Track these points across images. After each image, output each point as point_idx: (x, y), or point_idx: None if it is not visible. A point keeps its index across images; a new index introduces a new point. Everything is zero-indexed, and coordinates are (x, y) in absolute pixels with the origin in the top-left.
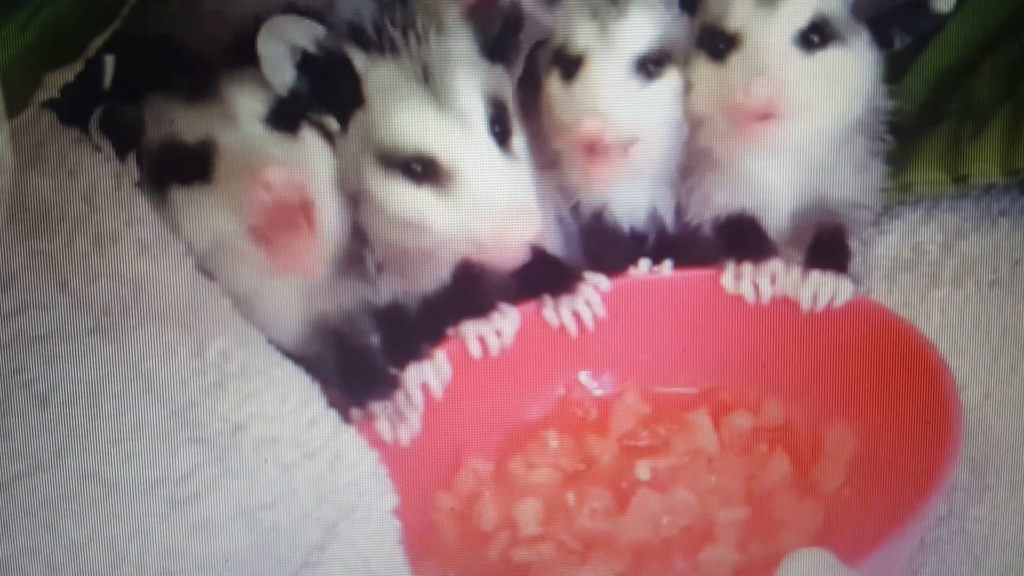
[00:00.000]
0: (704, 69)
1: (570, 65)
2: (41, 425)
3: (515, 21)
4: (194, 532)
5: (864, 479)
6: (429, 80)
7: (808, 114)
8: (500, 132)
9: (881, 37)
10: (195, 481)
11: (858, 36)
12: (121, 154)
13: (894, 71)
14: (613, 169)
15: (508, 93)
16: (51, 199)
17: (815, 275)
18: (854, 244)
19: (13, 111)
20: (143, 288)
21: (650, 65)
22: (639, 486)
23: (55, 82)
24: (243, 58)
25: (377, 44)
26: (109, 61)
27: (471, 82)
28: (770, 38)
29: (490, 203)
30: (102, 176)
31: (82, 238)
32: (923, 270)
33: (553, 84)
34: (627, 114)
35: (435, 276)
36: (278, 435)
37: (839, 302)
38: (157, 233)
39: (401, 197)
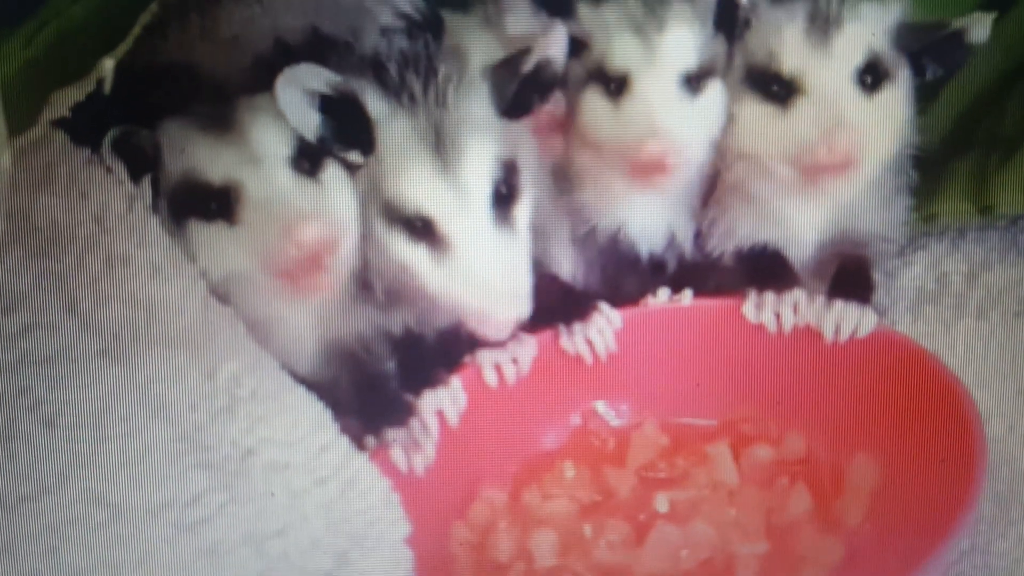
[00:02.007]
0: (758, 110)
1: (614, 83)
2: (47, 448)
3: (544, 81)
4: (201, 558)
5: (887, 513)
6: (440, 145)
7: (872, 158)
8: (507, 195)
9: (916, 68)
10: (203, 506)
11: (902, 71)
12: (135, 178)
13: (919, 101)
14: (660, 188)
15: (523, 149)
16: (61, 219)
17: (838, 305)
18: (878, 275)
19: (18, 127)
20: (153, 311)
21: (695, 80)
22: (657, 518)
23: (63, 100)
24: (260, 83)
25: (396, 89)
26: (109, 66)
27: (481, 148)
28: (835, 83)
29: (480, 280)
30: (113, 198)
31: (92, 259)
32: (948, 301)
33: (595, 102)
34: (682, 132)
35: (442, 314)
36: (289, 461)
37: (862, 333)
38: (169, 256)
39: (401, 248)
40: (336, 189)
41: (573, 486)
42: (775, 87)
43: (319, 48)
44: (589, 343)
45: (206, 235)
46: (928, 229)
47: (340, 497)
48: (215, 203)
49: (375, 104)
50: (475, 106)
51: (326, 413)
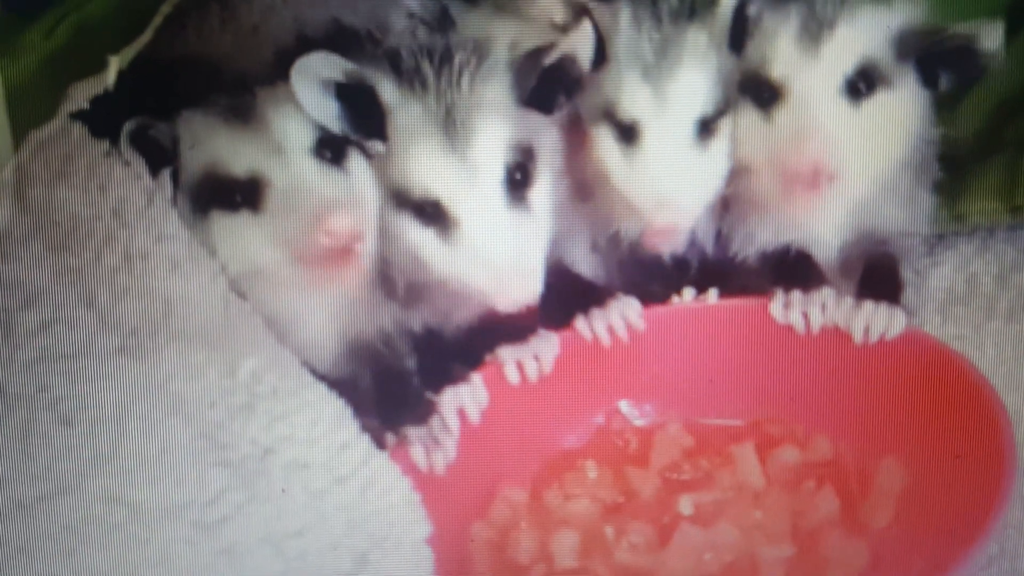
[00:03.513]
0: (750, 118)
1: (626, 131)
2: (65, 446)
3: (570, 82)
4: (219, 559)
5: (914, 517)
6: (450, 125)
7: (858, 167)
8: (520, 180)
9: (927, 78)
10: (222, 506)
11: (905, 78)
12: (153, 171)
13: (950, 100)
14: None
15: (541, 139)
16: (80, 213)
17: (868, 306)
18: (907, 274)
19: (37, 119)
20: (173, 306)
21: (709, 125)
22: (681, 520)
23: (83, 92)
24: (278, 74)
25: (410, 75)
26: (114, 62)
27: (494, 131)
28: (816, 90)
29: (489, 258)
30: (132, 191)
31: (111, 254)
32: (977, 303)
33: (606, 146)
34: (691, 185)
35: (463, 310)
36: (309, 460)
37: (892, 334)
38: (188, 251)
39: (410, 234)
40: (361, 177)
41: (595, 486)
42: (765, 94)
43: (341, 41)
44: (610, 328)
45: (230, 227)
46: (957, 229)
47: (360, 497)
48: (239, 194)
49: (389, 92)
50: (492, 92)
51: (346, 411)
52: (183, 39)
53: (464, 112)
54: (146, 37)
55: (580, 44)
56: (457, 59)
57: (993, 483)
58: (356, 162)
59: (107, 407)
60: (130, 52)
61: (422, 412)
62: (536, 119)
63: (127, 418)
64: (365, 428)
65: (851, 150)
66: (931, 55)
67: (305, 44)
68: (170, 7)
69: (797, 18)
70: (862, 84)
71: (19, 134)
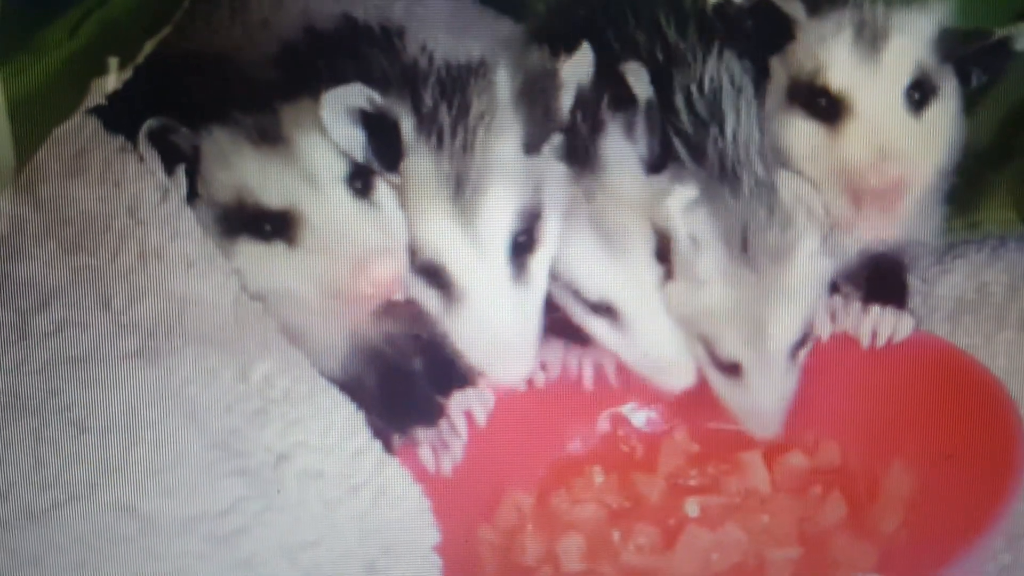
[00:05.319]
0: (805, 127)
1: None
2: (77, 453)
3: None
4: (236, 572)
5: (922, 521)
6: (460, 192)
7: (919, 179)
8: (525, 243)
9: (961, 75)
10: (237, 517)
11: (947, 82)
12: (169, 168)
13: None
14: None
15: (550, 186)
16: (94, 210)
17: (875, 310)
18: (915, 282)
19: (59, 117)
20: (187, 307)
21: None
22: (688, 522)
23: (103, 89)
24: (295, 86)
25: (428, 121)
26: (113, 63)
27: (502, 202)
28: (885, 104)
29: (490, 335)
30: (147, 188)
31: (126, 253)
32: (988, 312)
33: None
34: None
35: None
36: (323, 468)
37: (899, 338)
38: (202, 250)
39: (415, 288)
40: (392, 214)
41: (602, 491)
42: (822, 101)
43: (352, 37)
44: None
45: (260, 255)
46: (970, 237)
47: (372, 505)
48: (270, 224)
49: (409, 132)
50: (503, 147)
51: (359, 415)
52: (193, 32)
53: (475, 176)
54: (165, 32)
55: (583, 70)
56: (473, 109)
57: (1002, 489)
58: (385, 193)
59: (120, 413)
60: (149, 47)
61: (432, 415)
62: (544, 168)
63: (140, 425)
64: (373, 428)
65: (918, 164)
66: (969, 56)
67: (313, 37)
68: (189, 1)
69: (850, 25)
70: (918, 94)
71: (44, 133)
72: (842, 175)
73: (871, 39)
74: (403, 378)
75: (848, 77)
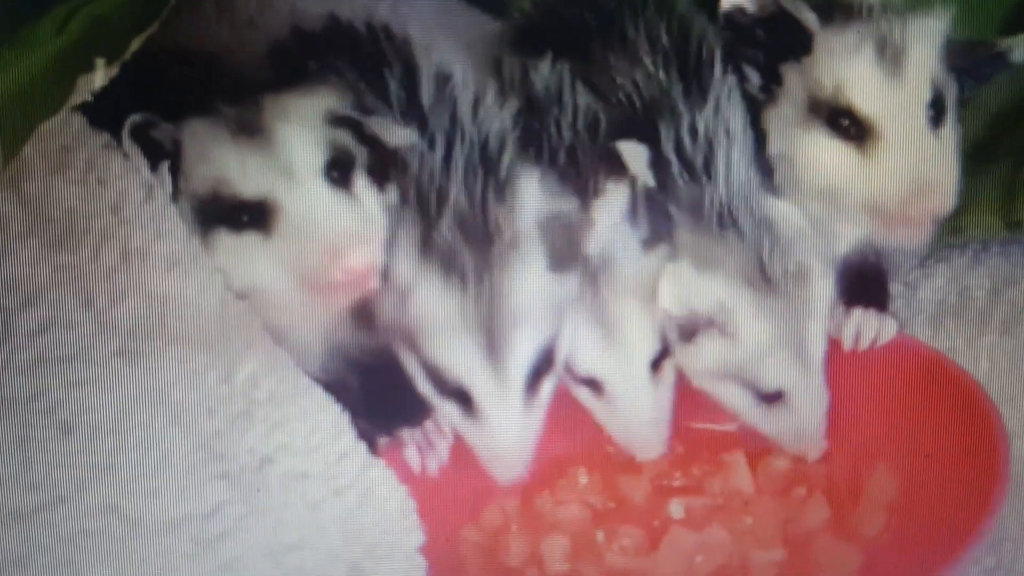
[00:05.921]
0: (828, 145)
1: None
2: (63, 455)
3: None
4: (220, 574)
5: (905, 524)
6: (488, 333)
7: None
8: (542, 367)
9: (958, 85)
10: (221, 519)
11: (951, 94)
12: (153, 165)
13: None
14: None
15: (570, 312)
16: (77, 208)
17: (857, 313)
18: (896, 286)
19: (45, 114)
20: (170, 307)
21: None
22: (672, 524)
23: (88, 84)
24: (278, 74)
25: (447, 264)
26: (100, 63)
27: (528, 344)
28: (912, 126)
29: (498, 449)
30: (132, 186)
31: (109, 252)
32: (970, 316)
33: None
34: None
35: None
36: (307, 470)
37: (883, 340)
38: (186, 249)
39: (434, 398)
40: (371, 205)
41: (586, 492)
42: (846, 122)
43: (337, 37)
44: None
45: (235, 246)
46: (951, 242)
47: (357, 507)
48: (247, 215)
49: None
50: (529, 281)
51: (344, 417)
52: (180, 30)
53: (503, 318)
54: (153, 29)
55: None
56: (496, 244)
57: (985, 492)
58: (363, 184)
59: (106, 415)
60: (136, 44)
61: (417, 415)
62: (566, 290)
63: (126, 427)
64: (357, 429)
65: (947, 189)
66: (969, 67)
67: (300, 37)
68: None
69: (870, 42)
70: (934, 110)
71: (29, 129)
72: (875, 204)
73: (892, 56)
74: (387, 378)
75: (874, 98)
